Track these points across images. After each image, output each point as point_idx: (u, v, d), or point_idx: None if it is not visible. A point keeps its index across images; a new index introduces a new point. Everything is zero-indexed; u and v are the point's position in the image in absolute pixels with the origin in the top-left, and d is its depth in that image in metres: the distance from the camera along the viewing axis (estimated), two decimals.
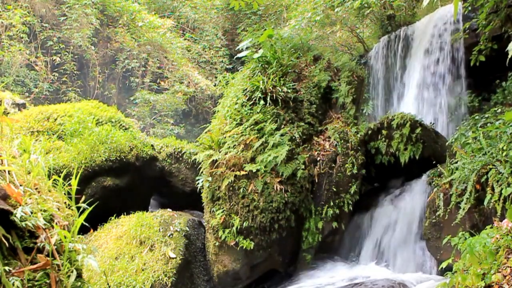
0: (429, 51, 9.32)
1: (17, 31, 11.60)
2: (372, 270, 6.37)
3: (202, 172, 6.83)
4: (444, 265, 4.41)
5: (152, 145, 8.70)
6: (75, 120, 7.69)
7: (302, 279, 6.40)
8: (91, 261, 2.40)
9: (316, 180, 6.76)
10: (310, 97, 7.26)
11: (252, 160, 6.39)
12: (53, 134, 7.60)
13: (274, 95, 6.81)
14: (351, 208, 6.77)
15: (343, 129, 7.16)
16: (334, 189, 6.72)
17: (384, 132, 7.00)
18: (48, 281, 2.12)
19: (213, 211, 6.40)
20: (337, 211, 6.62)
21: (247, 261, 6.25)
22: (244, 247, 6.09)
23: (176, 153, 9.45)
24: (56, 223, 2.36)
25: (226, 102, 7.23)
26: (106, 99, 12.95)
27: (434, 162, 6.42)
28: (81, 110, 8.08)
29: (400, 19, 10.71)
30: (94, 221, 5.75)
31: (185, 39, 16.08)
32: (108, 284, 5.41)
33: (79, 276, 2.38)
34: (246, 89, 7.05)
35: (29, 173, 2.58)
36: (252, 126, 6.58)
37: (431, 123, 7.34)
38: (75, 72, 12.74)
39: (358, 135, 7.17)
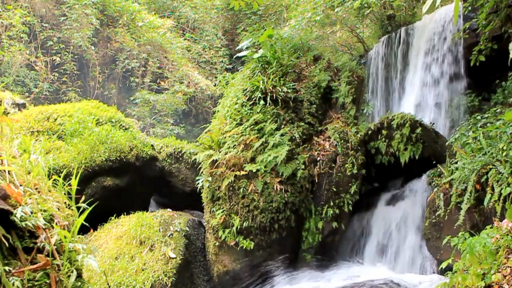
0: (429, 51, 9.32)
1: (17, 31, 11.60)
2: (372, 270, 6.37)
3: (202, 172, 6.83)
4: (444, 265, 4.41)
5: (152, 145, 8.71)
6: (75, 120, 7.69)
7: (302, 279, 6.40)
8: (91, 261, 2.40)
9: (316, 180, 6.76)
10: (310, 97, 7.26)
11: (252, 160, 6.39)
12: (53, 134, 7.60)
13: (274, 95, 6.81)
14: (351, 208, 6.77)
15: (343, 129, 7.16)
16: (334, 189, 6.71)
17: (384, 132, 7.00)
18: (48, 281, 2.12)
19: (213, 211, 6.41)
20: (337, 211, 6.62)
21: (247, 261, 6.25)
22: (244, 247, 6.09)
23: (176, 153, 9.45)
24: (56, 223, 2.36)
25: (226, 102, 7.23)
26: (106, 99, 12.95)
27: (434, 162, 6.42)
28: (81, 110, 8.08)
29: (400, 19, 10.70)
30: (94, 221, 5.75)
31: (185, 39, 16.08)
32: (108, 284, 5.41)
33: (79, 276, 2.38)
34: (246, 89, 7.05)
35: (29, 173, 2.58)
36: (252, 126, 6.58)
37: (431, 123, 7.34)
38: (75, 72, 12.74)
39: (358, 135, 7.17)
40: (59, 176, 2.78)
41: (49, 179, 2.72)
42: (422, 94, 9.31)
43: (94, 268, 2.42)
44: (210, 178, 6.49)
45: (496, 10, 7.03)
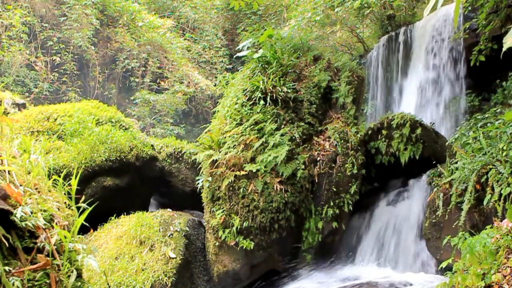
0: (429, 51, 9.31)
1: (17, 31, 11.60)
2: (372, 270, 6.38)
3: (202, 172, 6.83)
4: (444, 265, 4.41)
5: (152, 145, 8.71)
6: (75, 120, 7.69)
7: (302, 279, 6.40)
8: (91, 261, 2.40)
9: (316, 180, 6.76)
10: (310, 97, 7.26)
11: (252, 160, 6.39)
12: (53, 134, 7.60)
13: (274, 95, 6.81)
14: (351, 208, 6.77)
15: (343, 129, 7.16)
16: (334, 189, 6.71)
17: (384, 132, 7.00)
18: (48, 281, 2.12)
19: (213, 211, 6.41)
20: (337, 211, 6.62)
21: (247, 261, 6.25)
22: (244, 247, 6.09)
23: (176, 153, 9.45)
24: (56, 223, 2.36)
25: (226, 102, 7.23)
26: (106, 99, 12.95)
27: (434, 162, 6.42)
28: (81, 110, 8.08)
29: (400, 19, 10.70)
30: (94, 221, 5.75)
31: (185, 39, 16.08)
32: (108, 284, 5.41)
33: (79, 276, 2.38)
34: (246, 89, 7.05)
35: (29, 173, 2.58)
36: (252, 126, 6.58)
37: (431, 123, 7.34)
38: (75, 72, 12.74)
39: (358, 135, 7.17)
40: (59, 176, 2.78)
41: (49, 179, 2.71)
42: (422, 94, 9.31)
43: (94, 268, 2.42)
44: (210, 178, 6.49)
45: (496, 10, 7.03)
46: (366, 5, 9.51)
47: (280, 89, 6.89)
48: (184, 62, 14.76)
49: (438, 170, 6.23)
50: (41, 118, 7.91)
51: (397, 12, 10.78)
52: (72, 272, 2.27)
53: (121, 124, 8.56)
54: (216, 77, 14.63)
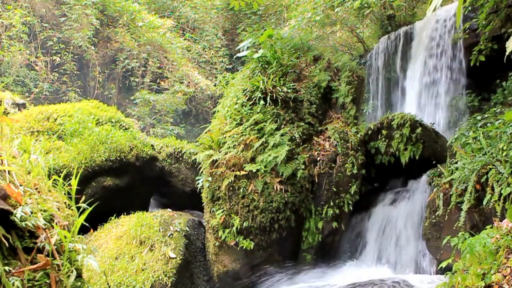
0: (429, 51, 9.32)
1: (17, 31, 11.60)
2: (372, 270, 6.37)
3: (202, 172, 6.83)
4: (444, 265, 4.40)
5: (152, 145, 8.71)
6: (75, 120, 7.69)
7: (302, 279, 6.40)
8: (91, 261, 2.40)
9: (316, 180, 6.76)
10: (310, 97, 7.26)
11: (252, 160, 6.39)
12: (53, 134, 7.60)
13: (274, 95, 6.81)
14: (351, 208, 6.77)
15: (343, 129, 7.16)
16: (334, 189, 6.71)
17: (384, 132, 7.00)
18: (48, 281, 2.12)
19: (213, 211, 6.41)
20: (337, 211, 6.62)
21: (247, 261, 6.25)
22: (244, 247, 6.09)
23: (176, 153, 9.45)
24: (56, 223, 2.36)
25: (226, 102, 7.23)
26: (106, 99, 12.95)
27: (434, 162, 6.42)
28: (81, 110, 8.08)
29: (400, 19, 10.71)
30: (94, 221, 5.75)
31: (185, 39, 16.08)
32: (108, 284, 5.41)
33: (79, 276, 2.38)
34: (246, 89, 7.05)
35: (29, 173, 2.58)
36: (252, 126, 6.58)
37: (431, 123, 7.34)
38: (75, 72, 12.74)
39: (358, 135, 7.17)
40: (59, 176, 2.78)
41: (49, 179, 2.71)
42: (422, 94, 9.31)
43: (94, 268, 2.42)
44: (210, 178, 6.49)
45: (496, 10, 7.03)
46: (366, 5, 9.52)
47: (280, 89, 6.89)
48: (184, 62, 14.76)
49: (438, 170, 6.23)
50: (41, 118, 7.91)
51: (397, 12, 10.78)
52: (72, 272, 2.27)
53: (121, 124, 8.56)
54: (216, 77, 14.63)
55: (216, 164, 6.47)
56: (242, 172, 6.24)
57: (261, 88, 6.86)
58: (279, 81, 7.05)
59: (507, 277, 2.97)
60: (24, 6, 12.17)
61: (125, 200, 7.62)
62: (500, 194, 4.70)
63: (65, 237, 2.32)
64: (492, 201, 4.82)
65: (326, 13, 10.68)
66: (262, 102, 6.75)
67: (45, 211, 2.34)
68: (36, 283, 2.07)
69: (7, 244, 2.01)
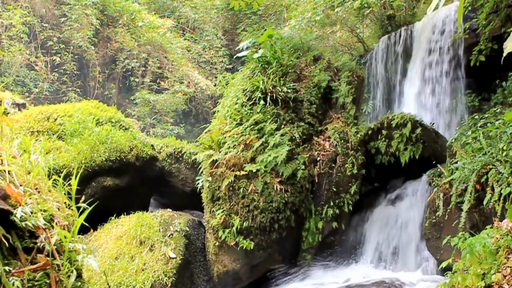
0: (429, 51, 9.32)
1: (17, 31, 11.60)
2: (372, 270, 6.38)
3: (202, 172, 6.83)
4: (444, 265, 4.41)
5: (152, 145, 8.71)
6: (75, 120, 7.69)
7: (302, 279, 6.40)
8: (91, 261, 2.40)
9: (316, 180, 6.76)
10: (310, 97, 7.26)
11: (252, 160, 6.39)
12: (53, 134, 7.60)
13: (274, 95, 6.81)
14: (351, 208, 6.77)
15: (343, 129, 7.16)
16: (334, 189, 6.71)
17: (384, 132, 7.00)
18: (48, 281, 2.12)
19: (213, 211, 6.41)
20: (337, 211, 6.62)
21: (247, 261, 6.25)
22: (244, 247, 6.09)
23: (176, 153, 9.45)
24: (56, 223, 2.36)
25: (226, 102, 7.23)
26: (106, 99, 12.95)
27: (434, 162, 6.42)
28: (81, 110, 8.08)
29: (400, 19, 10.71)
30: (94, 221, 5.75)
31: (185, 39, 16.09)
32: (108, 284, 5.41)
33: (79, 276, 2.38)
34: (246, 89, 7.05)
35: (29, 173, 2.58)
36: (252, 126, 6.58)
37: (431, 123, 7.34)
38: (75, 72, 12.74)
39: (358, 135, 7.17)
40: (59, 176, 2.78)
41: (49, 179, 2.71)
42: (422, 94, 9.31)
43: (94, 268, 2.42)
44: (210, 178, 6.49)
45: (496, 10, 7.03)
46: (366, 5, 9.52)
47: (280, 89, 6.89)
48: (184, 62, 14.76)
49: (438, 170, 6.23)
50: (41, 118, 7.91)
51: (397, 12, 10.78)
52: (72, 272, 2.27)
53: (121, 124, 8.56)
54: (216, 77, 14.64)
55: (216, 164, 6.47)
56: (242, 172, 6.24)
57: (261, 88, 6.86)
58: (279, 81, 7.05)
59: (507, 277, 2.97)
60: (24, 6, 12.17)
61: (125, 200, 7.62)
62: (500, 194, 4.70)
63: (65, 237, 2.32)
64: (492, 201, 4.82)
65: (326, 13, 10.68)
66: (262, 102, 6.75)
67: (45, 211, 2.35)
68: (36, 283, 2.07)
69: (7, 244, 2.01)
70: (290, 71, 7.36)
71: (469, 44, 8.33)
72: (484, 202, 4.94)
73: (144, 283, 5.54)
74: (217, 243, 6.31)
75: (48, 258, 2.16)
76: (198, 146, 7.81)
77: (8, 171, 2.37)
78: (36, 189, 2.49)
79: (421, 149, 6.70)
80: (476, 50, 7.37)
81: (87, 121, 7.77)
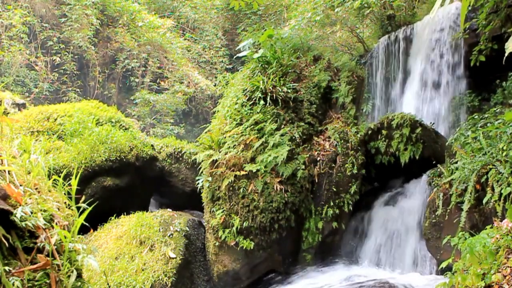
0: (429, 51, 9.31)
1: (17, 31, 11.60)
2: (371, 270, 6.38)
3: (202, 172, 6.83)
4: (444, 265, 4.40)
5: (152, 145, 8.71)
6: (75, 120, 7.69)
7: (302, 279, 6.40)
8: (91, 261, 2.40)
9: (316, 180, 6.76)
10: (310, 97, 7.26)
11: (252, 160, 6.39)
12: (53, 134, 7.60)
13: (274, 95, 6.81)
14: (351, 208, 6.77)
15: (343, 129, 7.16)
16: (334, 189, 6.71)
17: (384, 132, 7.00)
18: (48, 281, 2.12)
19: (213, 211, 6.41)
20: (337, 211, 6.62)
21: (247, 261, 6.25)
22: (244, 247, 6.09)
23: (176, 153, 9.45)
24: (56, 223, 2.36)
25: (226, 102, 7.23)
26: (106, 99, 12.96)
27: (434, 162, 6.41)
28: (81, 110, 8.08)
29: (400, 19, 10.70)
30: (94, 221, 5.75)
31: (185, 39, 16.09)
32: (108, 284, 5.41)
33: (79, 276, 2.38)
34: (246, 89, 7.05)
35: (29, 173, 2.58)
36: (252, 126, 6.58)
37: (431, 123, 7.34)
38: (75, 72, 12.74)
39: (358, 135, 7.17)
40: (59, 176, 2.78)
41: (49, 179, 2.71)
42: (422, 94, 9.31)
43: (94, 268, 2.42)
44: (210, 178, 6.49)
45: (496, 10, 7.03)
46: (366, 5, 9.52)
47: (280, 89, 6.89)
48: (184, 62, 14.76)
49: (438, 170, 6.22)
50: (41, 118, 7.91)
51: (397, 12, 10.78)
52: (72, 272, 2.27)
53: (121, 124, 8.56)
54: (216, 77, 14.65)
55: (216, 164, 6.47)
56: (242, 172, 6.24)
57: (261, 88, 6.86)
58: (279, 81, 7.05)
59: (507, 277, 2.97)
60: (24, 6, 12.17)
61: (125, 200, 7.62)
62: (500, 194, 4.70)
63: (65, 237, 2.32)
64: (492, 201, 4.82)
65: (326, 13, 10.68)
66: (262, 102, 6.75)
67: (45, 211, 2.34)
68: (36, 283, 2.07)
69: (7, 244, 2.01)
70: (290, 71, 7.36)
71: (469, 44, 8.32)
72: (484, 202, 4.94)
73: (144, 283, 5.54)
74: (217, 243, 6.31)
75: (48, 258, 2.16)
76: (198, 146, 7.81)
77: (8, 171, 2.37)
78: (36, 189, 2.49)
79: (421, 149, 6.70)
80: (476, 50, 7.36)
81: (87, 121, 7.77)
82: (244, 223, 6.10)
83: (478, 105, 8.46)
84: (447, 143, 6.46)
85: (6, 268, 1.97)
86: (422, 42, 9.54)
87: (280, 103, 6.85)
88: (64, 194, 2.71)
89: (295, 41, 8.06)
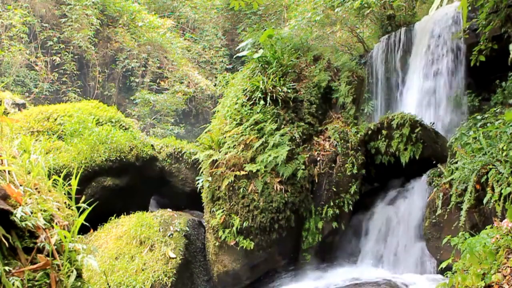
0: (429, 51, 9.32)
1: (17, 31, 11.60)
2: (371, 270, 6.38)
3: (202, 172, 6.83)
4: (444, 265, 4.40)
5: (152, 145, 8.70)
6: (75, 120, 7.69)
7: (302, 279, 6.40)
8: (91, 261, 2.40)
9: (316, 180, 6.76)
10: (310, 97, 7.26)
11: (252, 160, 6.39)
12: (53, 134, 7.60)
13: (274, 95, 6.80)
14: (351, 208, 6.76)
15: (343, 129, 7.16)
16: (334, 189, 6.71)
17: (384, 132, 7.00)
18: (48, 281, 2.12)
19: (213, 211, 6.41)
20: (337, 211, 6.62)
21: (247, 261, 6.25)
22: (244, 247, 6.09)
23: (176, 153, 9.45)
24: (56, 223, 2.36)
25: (226, 102, 7.23)
26: (106, 99, 12.96)
27: (434, 162, 6.41)
28: (81, 110, 8.08)
29: (400, 19, 10.71)
30: (94, 221, 5.75)
31: (185, 39, 16.10)
32: (108, 284, 5.41)
33: (79, 276, 2.38)
34: (246, 89, 7.05)
35: (29, 173, 2.58)
36: (252, 126, 6.58)
37: (431, 123, 7.34)
38: (75, 72, 12.75)
39: (358, 135, 7.16)
40: (59, 176, 2.78)
41: (49, 179, 2.71)
42: (422, 93, 9.31)
43: (94, 268, 2.42)
44: (210, 178, 6.49)
45: (496, 10, 7.02)
46: (366, 5, 9.52)
47: (280, 89, 6.89)
48: (184, 62, 14.77)
49: (438, 170, 6.22)
50: (41, 118, 7.91)
51: (397, 12, 10.79)
52: (72, 272, 2.27)
53: (121, 124, 8.56)
54: (216, 77, 14.65)
55: (216, 164, 6.47)
56: (242, 172, 6.24)
57: (261, 88, 6.86)
58: (279, 81, 7.05)
59: (507, 277, 2.97)
60: (24, 6, 12.17)
61: (125, 200, 7.62)
62: (500, 194, 4.70)
63: (65, 237, 2.32)
64: (492, 201, 4.82)
65: (326, 13, 10.69)
66: (262, 102, 6.74)
67: (45, 211, 2.34)
68: (36, 283, 2.07)
69: (7, 244, 2.01)
70: (290, 71, 7.35)
71: (469, 44, 8.33)
72: (484, 202, 4.94)
73: (144, 283, 5.54)
74: (217, 243, 6.31)
75: (48, 258, 2.16)
76: (198, 146, 7.81)
77: (8, 171, 2.37)
78: (36, 189, 2.49)
79: (421, 149, 6.70)
80: (476, 50, 7.36)
81: (87, 121, 7.77)
82: (244, 223, 6.10)
83: (478, 105, 8.47)
84: (447, 143, 6.46)
85: (6, 268, 1.97)
86: (422, 42, 9.54)
87: (280, 103, 6.85)
88: (64, 194, 2.71)
89: (295, 41, 8.06)
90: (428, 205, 6.10)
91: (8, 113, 8.67)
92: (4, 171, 2.36)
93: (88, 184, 7.13)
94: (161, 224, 6.53)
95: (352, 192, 6.72)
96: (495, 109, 6.46)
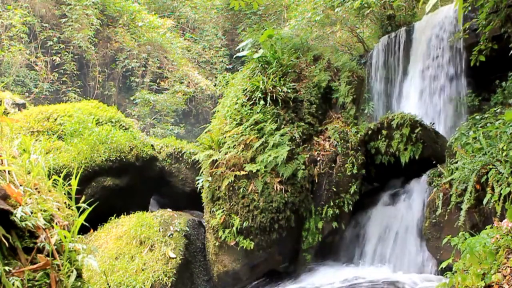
0: (429, 51, 9.32)
1: (17, 31, 11.61)
2: (371, 270, 6.37)
3: (202, 172, 6.84)
4: (444, 265, 4.40)
5: (152, 145, 8.70)
6: (75, 120, 7.69)
7: (302, 279, 6.40)
8: (91, 261, 2.40)
9: (316, 180, 6.76)
10: (310, 97, 7.26)
11: (252, 160, 6.39)
12: (53, 134, 7.60)
13: (274, 95, 6.80)
14: (351, 208, 6.76)
15: (343, 129, 7.16)
16: (334, 189, 6.71)
17: (384, 132, 7.00)
18: (48, 281, 2.12)
19: (213, 211, 6.41)
20: (337, 211, 6.62)
21: (247, 261, 6.25)
22: (244, 247, 6.09)
23: (176, 153, 9.45)
24: (56, 223, 2.36)
25: (226, 102, 7.23)
26: (106, 99, 12.96)
27: (434, 162, 6.41)
28: (81, 110, 8.08)
29: (400, 19, 10.72)
30: (94, 221, 5.75)
31: (185, 39, 16.10)
32: (108, 284, 5.41)
33: (79, 276, 2.38)
34: (246, 89, 7.05)
35: (29, 173, 2.58)
36: (252, 126, 6.58)
37: (431, 123, 7.34)
38: (75, 72, 12.75)
39: (358, 135, 7.16)
40: (59, 176, 2.78)
41: (49, 179, 2.71)
42: (422, 93, 9.31)
43: (94, 268, 2.42)
44: (210, 178, 6.49)
45: (496, 10, 7.02)
46: (366, 5, 9.53)
47: (280, 89, 6.89)
48: (184, 62, 14.77)
49: (438, 170, 6.22)
50: (41, 118, 7.91)
51: (397, 12, 10.79)
52: (72, 272, 2.27)
53: (121, 124, 8.56)
54: (216, 77, 14.65)
55: (216, 164, 6.47)
56: (242, 172, 6.24)
57: (261, 88, 6.86)
58: (279, 81, 7.05)
59: (507, 277, 2.97)
60: (24, 6, 12.17)
61: (125, 200, 7.62)
62: (500, 194, 4.69)
63: (65, 237, 2.32)
64: (492, 201, 4.82)
65: (326, 13, 10.69)
66: (262, 102, 6.74)
67: (45, 211, 2.35)
68: (36, 283, 2.07)
69: (7, 244, 2.01)
70: (290, 71, 7.35)
71: (469, 44, 8.33)
72: (484, 202, 4.94)
73: (144, 283, 5.54)
74: (217, 243, 6.31)
75: (48, 258, 2.16)
76: (198, 146, 7.81)
77: (8, 171, 2.37)
78: (36, 189, 2.49)
79: (421, 149, 6.70)
80: (476, 50, 7.36)
81: (87, 121, 7.77)
82: (244, 223, 6.10)
83: (478, 105, 8.47)
84: (447, 143, 6.46)
85: (6, 268, 1.97)
86: (422, 42, 9.54)
87: (280, 103, 6.85)
88: (64, 194, 2.71)
89: (295, 41, 8.06)
90: (428, 205, 6.10)
91: (8, 113, 8.67)
92: (4, 171, 2.36)
93: (88, 184, 7.14)
94: (161, 224, 6.53)
95: (352, 192, 6.72)
96: (495, 109, 6.46)
